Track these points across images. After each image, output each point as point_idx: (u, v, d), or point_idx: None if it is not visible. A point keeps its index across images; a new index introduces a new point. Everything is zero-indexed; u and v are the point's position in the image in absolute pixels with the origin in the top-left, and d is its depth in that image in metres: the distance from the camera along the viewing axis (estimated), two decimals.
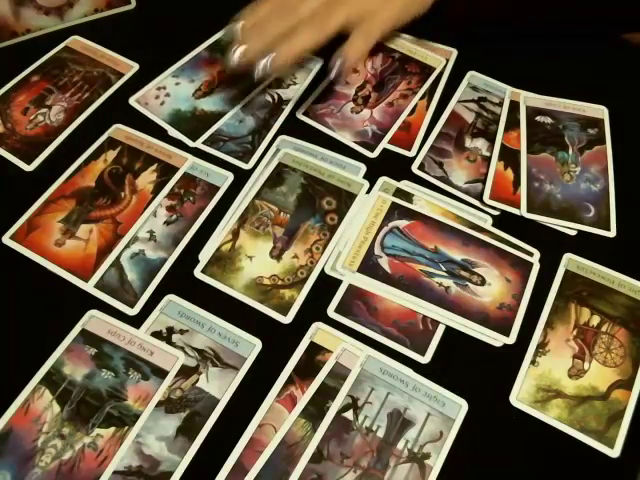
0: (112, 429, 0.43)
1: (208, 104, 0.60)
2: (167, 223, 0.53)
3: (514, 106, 0.62)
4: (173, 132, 0.58)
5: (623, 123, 0.62)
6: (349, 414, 0.45)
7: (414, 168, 0.58)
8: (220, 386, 0.45)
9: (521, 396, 0.47)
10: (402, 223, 0.53)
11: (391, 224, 0.53)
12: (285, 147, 0.58)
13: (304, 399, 0.45)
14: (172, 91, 0.61)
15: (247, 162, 0.57)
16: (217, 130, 0.59)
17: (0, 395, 0.44)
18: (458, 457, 0.44)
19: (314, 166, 0.57)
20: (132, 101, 0.60)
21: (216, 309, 0.49)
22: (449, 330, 0.49)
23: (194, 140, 0.58)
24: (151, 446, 0.43)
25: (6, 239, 0.51)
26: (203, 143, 0.58)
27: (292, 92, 0.62)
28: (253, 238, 0.52)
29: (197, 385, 0.45)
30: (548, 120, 0.62)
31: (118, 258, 0.50)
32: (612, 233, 0.54)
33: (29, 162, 0.55)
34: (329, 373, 0.46)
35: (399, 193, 0.56)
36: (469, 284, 0.51)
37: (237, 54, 0.51)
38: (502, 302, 0.50)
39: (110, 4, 0.67)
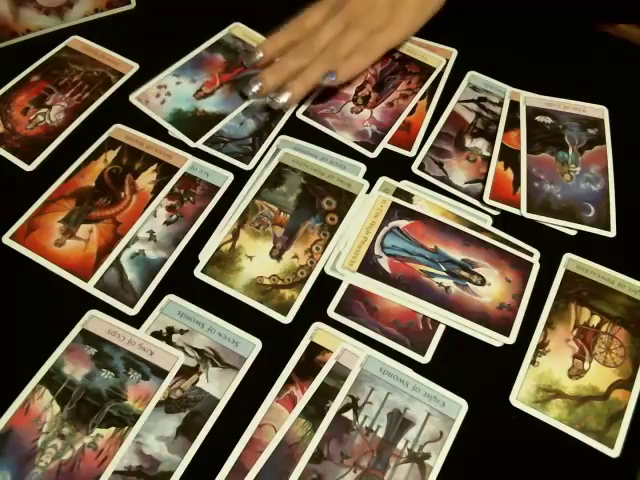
0: (112, 429, 0.43)
1: (209, 105, 0.60)
2: (167, 223, 0.53)
3: (514, 106, 0.62)
4: (174, 132, 0.58)
5: (623, 123, 0.62)
6: (349, 414, 0.45)
7: (414, 168, 0.58)
8: (220, 386, 0.45)
9: (521, 396, 0.47)
10: (402, 223, 0.53)
11: (391, 224, 0.53)
12: (285, 147, 0.58)
13: (304, 399, 0.45)
14: (173, 90, 0.61)
15: (247, 163, 0.57)
16: (218, 131, 0.59)
17: (0, 395, 0.44)
18: (458, 457, 0.44)
19: (314, 166, 0.57)
20: (132, 98, 0.60)
21: (216, 309, 0.49)
22: (449, 330, 0.49)
23: (195, 140, 0.58)
24: (151, 446, 0.43)
25: (6, 239, 0.51)
26: (204, 144, 0.58)
27: None
28: (253, 238, 0.52)
29: (197, 385, 0.45)
30: (548, 120, 0.62)
31: (118, 258, 0.50)
32: (612, 233, 0.54)
33: (29, 162, 0.55)
34: (329, 373, 0.46)
35: (399, 193, 0.56)
36: (469, 284, 0.51)
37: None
38: (502, 302, 0.50)
39: (110, 4, 0.67)
